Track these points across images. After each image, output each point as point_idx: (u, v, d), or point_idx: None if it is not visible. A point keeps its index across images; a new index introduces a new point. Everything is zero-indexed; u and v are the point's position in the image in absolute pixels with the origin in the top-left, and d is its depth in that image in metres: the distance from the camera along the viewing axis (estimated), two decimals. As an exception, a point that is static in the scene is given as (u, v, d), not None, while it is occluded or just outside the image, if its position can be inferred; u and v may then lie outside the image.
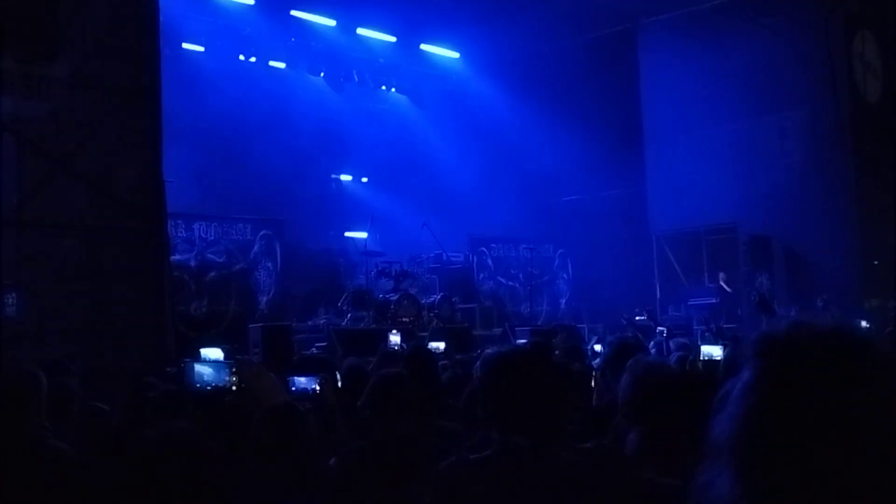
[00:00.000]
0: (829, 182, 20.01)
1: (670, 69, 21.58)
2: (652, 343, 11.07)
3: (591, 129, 21.87)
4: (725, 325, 17.14)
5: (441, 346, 10.72)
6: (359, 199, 21.89)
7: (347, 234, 19.76)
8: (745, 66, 20.45)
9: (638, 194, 22.47)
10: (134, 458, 3.45)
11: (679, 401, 4.27)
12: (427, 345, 9.93)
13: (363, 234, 19.33)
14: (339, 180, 22.31)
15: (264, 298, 17.22)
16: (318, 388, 5.80)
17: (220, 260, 16.69)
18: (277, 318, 16.15)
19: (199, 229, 17.02)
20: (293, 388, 5.77)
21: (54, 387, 5.25)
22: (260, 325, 13.32)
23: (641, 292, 20.74)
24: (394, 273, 17.55)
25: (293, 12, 20.71)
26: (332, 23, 21.25)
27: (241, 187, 18.98)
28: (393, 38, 22.44)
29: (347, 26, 21.53)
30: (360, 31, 21.77)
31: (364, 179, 22.84)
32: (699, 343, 9.88)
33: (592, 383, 6.49)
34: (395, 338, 11.94)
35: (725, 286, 20.18)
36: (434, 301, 17.39)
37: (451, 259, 19.75)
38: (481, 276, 21.01)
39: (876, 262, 19.74)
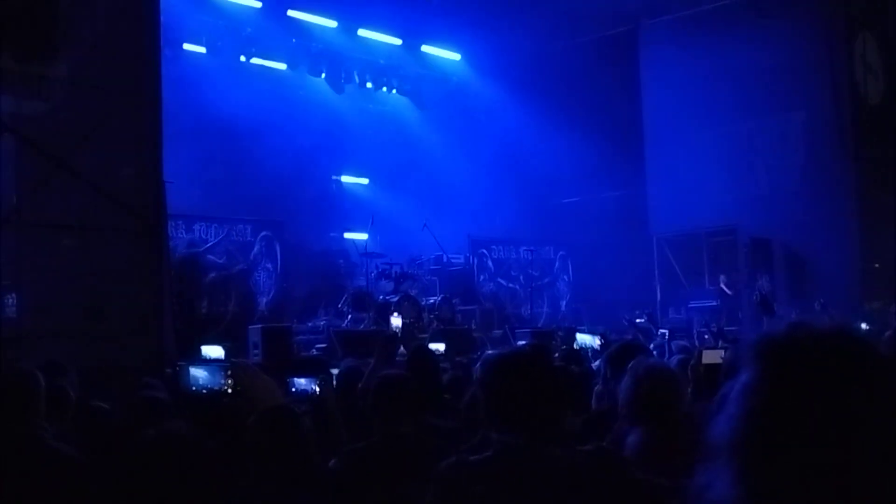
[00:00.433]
0: (830, 184, 20.00)
1: (671, 71, 21.58)
2: (652, 345, 11.06)
3: (592, 130, 21.85)
4: (726, 328, 17.13)
5: (441, 347, 10.70)
6: (359, 201, 21.88)
7: (347, 235, 19.74)
8: (745, 67, 20.44)
9: (638, 196, 22.47)
10: (131, 458, 3.44)
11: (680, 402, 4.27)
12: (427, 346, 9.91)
13: (363, 236, 19.33)
14: (339, 181, 22.30)
15: (264, 299, 17.20)
16: (317, 389, 5.78)
17: (221, 261, 16.67)
18: (277, 320, 16.14)
19: (200, 230, 17.01)
20: (293, 390, 5.75)
21: (50, 389, 5.24)
22: (260, 326, 13.31)
23: (642, 294, 20.72)
24: (394, 274, 17.55)
25: (294, 13, 20.70)
26: (333, 24, 21.25)
27: (241, 188, 18.96)
28: (394, 40, 22.43)
29: (349, 27, 21.52)
30: (362, 32, 21.76)
31: (365, 181, 22.82)
32: (697, 344, 9.87)
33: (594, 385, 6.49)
34: (396, 321, 11.93)
35: (726, 288, 20.17)
36: (434, 303, 17.39)
37: (452, 261, 19.75)
38: (482, 277, 21.00)
39: (877, 265, 19.73)
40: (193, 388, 5.09)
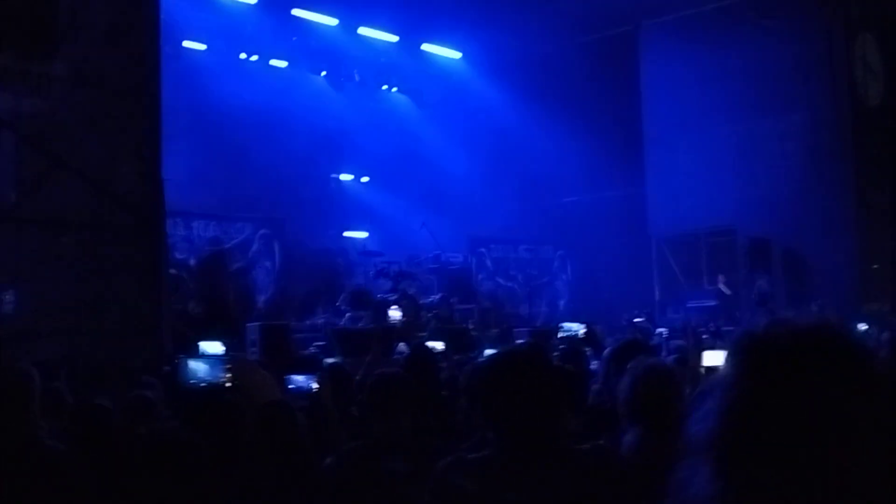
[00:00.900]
0: (830, 185, 20.00)
1: (671, 71, 21.58)
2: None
3: (592, 130, 21.87)
4: (724, 328, 17.13)
5: (440, 346, 10.67)
6: (358, 199, 21.88)
7: (346, 233, 19.74)
8: (745, 68, 20.46)
9: (638, 196, 22.47)
10: (121, 456, 3.45)
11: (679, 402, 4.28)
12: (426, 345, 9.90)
13: (363, 234, 19.33)
14: (338, 180, 22.29)
15: (262, 297, 17.20)
16: (315, 386, 5.79)
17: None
18: (276, 318, 16.13)
19: (198, 228, 17.02)
20: (290, 387, 5.76)
21: (45, 387, 5.24)
22: (258, 324, 13.30)
23: (640, 294, 20.75)
24: (392, 273, 17.55)
25: (295, 11, 20.70)
26: (333, 22, 21.24)
27: (240, 186, 18.96)
28: (394, 38, 22.43)
29: (349, 26, 21.52)
30: (362, 30, 21.76)
31: (364, 179, 22.81)
32: (692, 343, 9.86)
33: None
34: (395, 313, 11.92)
35: (724, 289, 20.18)
36: (433, 301, 17.39)
37: (450, 259, 19.76)
38: (480, 276, 21.01)
39: (875, 266, 19.74)
40: (192, 381, 5.12)
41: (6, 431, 4.36)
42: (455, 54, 23.87)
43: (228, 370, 4.23)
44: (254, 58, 20.40)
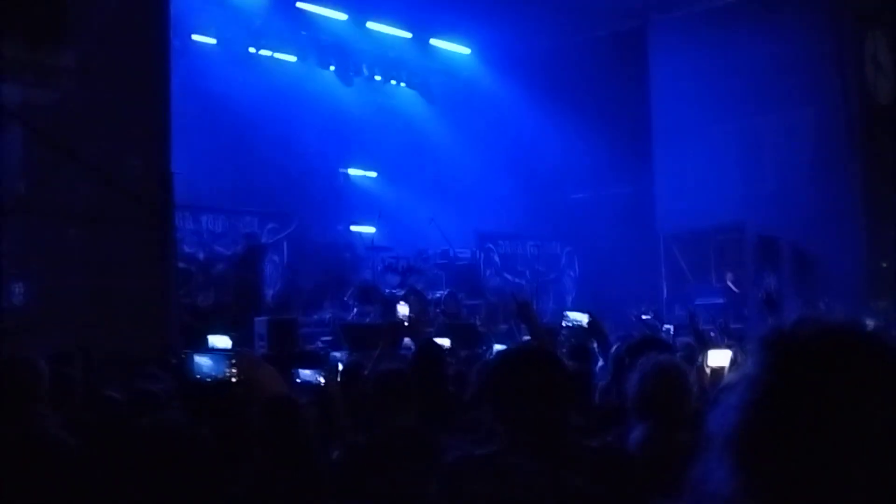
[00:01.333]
0: (838, 182, 19.96)
1: (680, 67, 21.52)
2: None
3: (600, 126, 21.83)
4: (732, 325, 17.10)
5: (446, 342, 10.63)
6: (367, 194, 21.87)
7: (354, 228, 19.74)
8: (755, 64, 20.40)
9: (646, 192, 22.42)
10: (125, 448, 3.45)
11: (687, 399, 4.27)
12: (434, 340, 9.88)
13: (370, 229, 19.33)
14: (346, 174, 22.29)
15: (270, 292, 17.21)
16: (322, 380, 5.78)
17: (228, 252, 16.70)
18: (283, 312, 16.14)
19: (207, 221, 17.03)
20: (297, 381, 5.76)
21: (57, 377, 5.25)
22: (265, 318, 13.31)
23: (648, 291, 20.70)
24: (400, 268, 17.56)
25: (304, 5, 20.69)
26: (342, 16, 21.22)
27: (248, 180, 18.97)
28: (404, 33, 22.40)
29: (358, 20, 21.50)
30: (371, 24, 21.74)
31: (372, 174, 22.81)
32: (695, 339, 9.83)
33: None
34: (403, 309, 11.86)
35: (732, 286, 20.14)
36: (440, 297, 17.39)
37: (458, 255, 19.76)
38: (488, 272, 21.00)
39: (884, 264, 19.69)
40: (198, 376, 5.12)
41: (13, 423, 4.37)
42: (464, 50, 23.84)
43: (234, 365, 4.23)
44: (263, 52, 20.39)
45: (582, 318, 8.59)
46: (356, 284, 17.44)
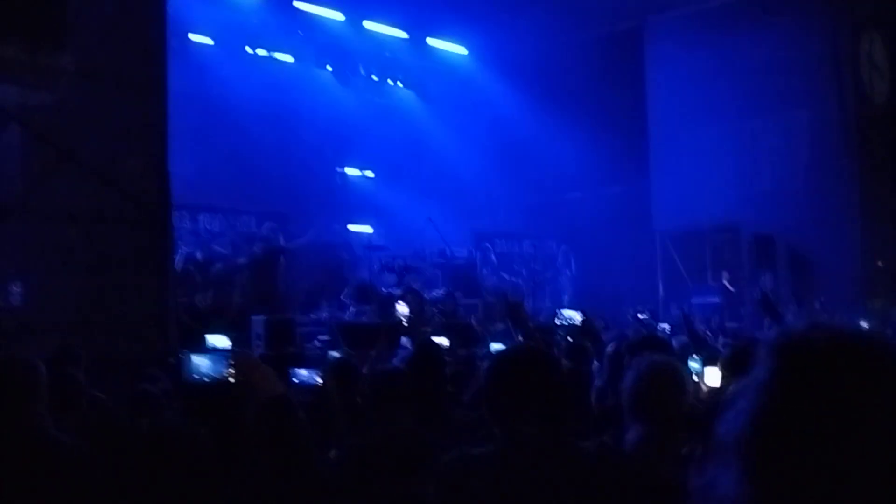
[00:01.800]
0: (834, 182, 19.99)
1: (676, 67, 21.56)
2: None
3: (597, 126, 21.85)
4: (728, 325, 17.15)
5: (445, 341, 10.64)
6: (364, 193, 21.88)
7: (351, 227, 19.75)
8: (751, 64, 20.44)
9: (642, 192, 22.45)
10: (124, 449, 3.47)
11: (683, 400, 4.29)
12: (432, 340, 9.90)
13: (367, 229, 19.34)
14: (344, 174, 22.28)
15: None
16: (320, 380, 5.81)
17: (226, 252, 16.70)
18: (280, 311, 16.13)
19: (204, 221, 17.02)
20: (295, 381, 5.78)
21: (61, 377, 5.26)
22: (263, 317, 13.32)
23: (644, 290, 20.75)
24: (397, 267, 17.56)
25: (301, 5, 20.70)
26: (339, 16, 21.23)
27: (245, 180, 18.96)
28: (400, 33, 22.41)
29: (355, 20, 21.50)
30: (368, 25, 21.74)
31: (369, 173, 22.81)
32: (689, 338, 9.86)
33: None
34: (402, 308, 11.89)
35: (729, 285, 20.17)
36: (437, 296, 17.40)
37: (455, 254, 19.77)
38: (485, 271, 21.01)
39: (880, 263, 19.73)
40: (195, 377, 5.14)
41: (12, 424, 4.38)
42: (461, 49, 23.85)
43: (231, 365, 4.25)
44: (260, 52, 20.38)
45: (575, 316, 8.61)
46: (353, 284, 17.44)
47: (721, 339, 12.26)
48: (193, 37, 19.09)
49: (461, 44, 23.65)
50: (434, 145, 23.24)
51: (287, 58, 20.99)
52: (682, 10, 21.55)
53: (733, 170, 20.98)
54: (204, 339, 9.71)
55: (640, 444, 4.12)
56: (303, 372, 6.04)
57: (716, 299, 19.97)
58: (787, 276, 20.50)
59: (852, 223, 19.86)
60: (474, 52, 23.87)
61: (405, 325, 9.23)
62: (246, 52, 20.14)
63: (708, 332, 14.09)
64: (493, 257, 21.41)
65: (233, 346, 9.52)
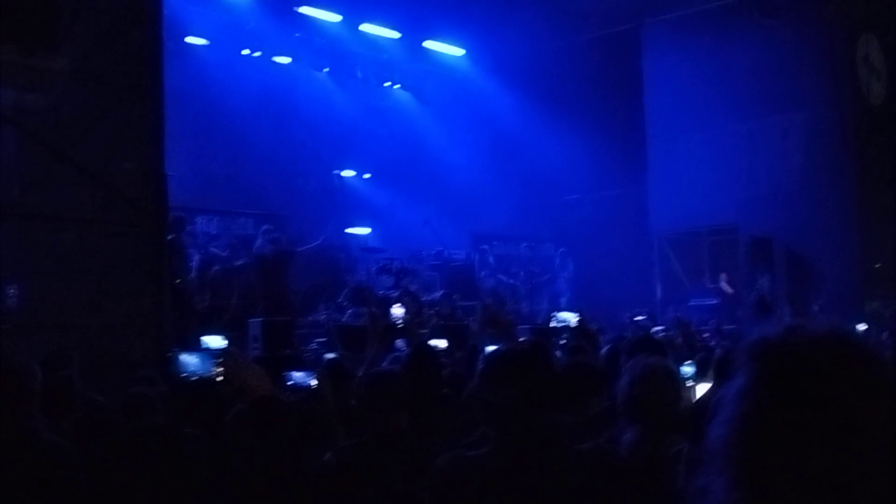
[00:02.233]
0: (832, 184, 20.00)
1: (674, 69, 21.57)
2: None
3: (594, 127, 21.86)
4: (726, 327, 17.13)
5: (443, 343, 10.58)
6: (361, 195, 21.87)
7: (348, 230, 19.74)
8: (748, 66, 20.44)
9: (639, 194, 22.47)
10: (120, 451, 3.46)
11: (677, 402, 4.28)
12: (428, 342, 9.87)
13: (365, 231, 19.33)
14: (340, 176, 22.27)
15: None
16: (315, 383, 5.79)
17: (224, 254, 16.67)
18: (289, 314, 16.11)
19: (202, 223, 17.00)
20: (289, 383, 5.76)
21: (55, 380, 5.25)
22: (260, 319, 13.30)
23: (642, 292, 20.74)
24: (394, 269, 17.54)
25: (297, 7, 20.69)
26: (336, 18, 21.22)
27: (243, 182, 18.97)
28: (397, 35, 22.41)
29: (351, 22, 21.50)
30: (364, 27, 21.74)
31: (367, 175, 22.80)
32: (683, 341, 9.85)
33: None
34: (398, 311, 11.85)
35: (726, 287, 20.17)
36: (434, 298, 17.38)
37: (453, 256, 19.77)
38: (482, 273, 20.99)
39: (877, 265, 19.74)
40: (184, 375, 5.12)
41: (6, 426, 4.37)
42: (458, 51, 23.85)
43: (220, 364, 4.23)
44: (256, 54, 20.35)
45: (571, 318, 8.59)
46: (350, 286, 17.42)
47: (717, 341, 12.25)
48: (190, 39, 19.08)
49: (458, 46, 23.65)
50: (431, 147, 23.25)
51: (284, 60, 20.97)
52: (679, 13, 21.57)
53: (730, 172, 20.98)
54: (199, 340, 9.69)
55: (635, 445, 4.11)
56: (298, 374, 6.01)
57: (713, 301, 19.98)
58: (785, 277, 20.50)
59: (850, 225, 19.87)
60: (471, 55, 23.87)
61: (401, 326, 9.21)
62: (242, 54, 20.12)
63: (705, 335, 14.09)
64: (491, 259, 21.39)
65: (230, 345, 9.51)
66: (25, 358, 4.90)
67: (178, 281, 14.36)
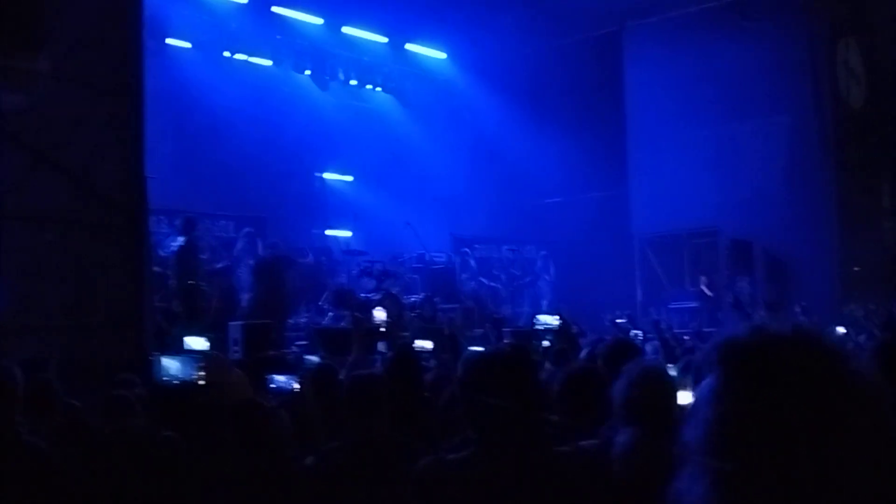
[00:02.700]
0: (811, 187, 20.11)
1: (655, 72, 21.65)
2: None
3: (576, 131, 21.93)
4: (706, 329, 17.16)
5: (429, 345, 10.55)
6: (342, 198, 21.86)
7: (329, 232, 19.71)
8: (729, 70, 20.54)
9: (620, 197, 22.53)
10: (99, 454, 3.46)
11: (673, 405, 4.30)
12: (412, 345, 9.87)
13: (346, 233, 19.30)
14: (322, 179, 22.26)
15: (246, 296, 17.14)
16: (297, 386, 5.78)
17: (204, 256, 16.62)
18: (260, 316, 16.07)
19: (182, 226, 16.86)
20: (271, 386, 5.75)
21: (34, 385, 5.23)
22: (240, 322, 13.26)
23: (623, 295, 20.78)
24: (376, 272, 17.53)
25: (279, 10, 20.67)
26: (318, 21, 21.22)
27: (224, 184, 18.90)
28: (379, 38, 22.42)
29: (333, 25, 21.49)
30: (347, 29, 21.74)
31: (348, 178, 22.80)
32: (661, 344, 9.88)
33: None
34: (380, 314, 11.83)
35: (706, 290, 20.25)
36: (416, 301, 17.38)
37: (434, 259, 19.77)
38: (464, 276, 21.00)
39: (857, 268, 19.86)
40: (165, 379, 5.10)
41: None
42: (440, 54, 23.89)
43: (201, 368, 4.23)
44: (238, 56, 20.34)
45: (552, 321, 8.60)
46: (331, 289, 17.40)
47: (694, 344, 12.27)
48: (171, 40, 19.03)
49: (440, 48, 23.69)
50: (413, 150, 23.27)
51: (265, 62, 20.95)
52: (661, 16, 21.65)
53: (711, 175, 21.06)
54: (180, 343, 9.66)
55: (630, 447, 4.12)
56: (280, 378, 6.00)
57: (694, 304, 20.05)
58: (765, 280, 20.61)
59: (830, 228, 19.99)
60: (453, 57, 23.92)
61: (383, 330, 9.22)
62: (224, 55, 20.08)
63: (684, 337, 14.12)
64: (472, 262, 21.39)
65: (212, 347, 9.49)
66: (5, 360, 4.88)
67: (190, 282, 14.40)
